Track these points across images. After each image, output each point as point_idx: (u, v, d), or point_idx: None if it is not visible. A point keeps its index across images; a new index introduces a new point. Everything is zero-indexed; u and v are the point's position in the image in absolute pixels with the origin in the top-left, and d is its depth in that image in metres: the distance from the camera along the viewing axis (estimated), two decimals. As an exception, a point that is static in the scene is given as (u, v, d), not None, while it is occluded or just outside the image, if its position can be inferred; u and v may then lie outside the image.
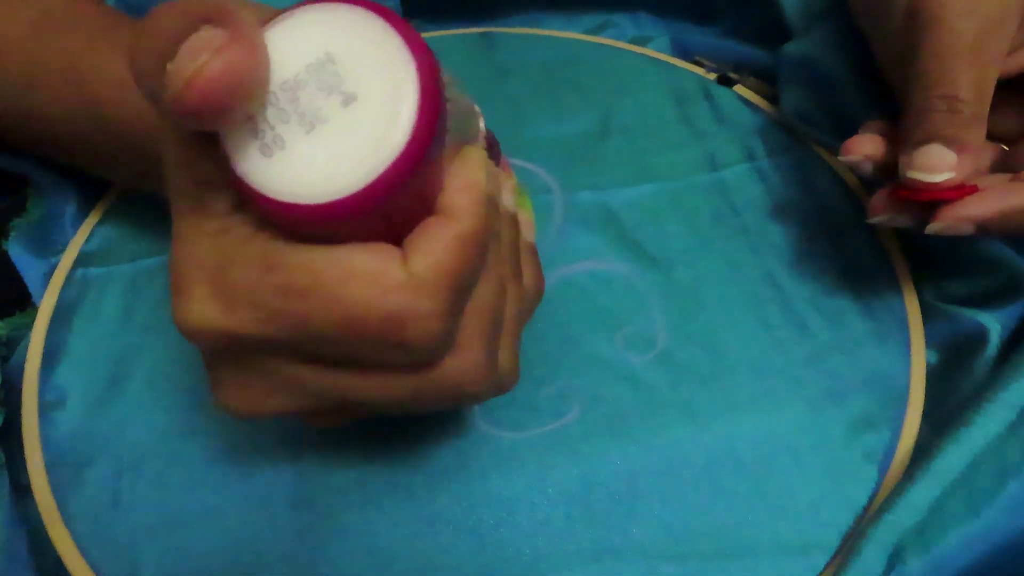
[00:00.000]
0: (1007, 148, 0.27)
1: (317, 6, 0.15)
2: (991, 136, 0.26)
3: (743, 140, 0.34)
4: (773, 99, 0.36)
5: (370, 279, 0.15)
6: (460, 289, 0.17)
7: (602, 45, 0.38)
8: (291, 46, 0.15)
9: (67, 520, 0.24)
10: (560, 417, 0.26)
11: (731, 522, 0.24)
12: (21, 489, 0.25)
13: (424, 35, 0.40)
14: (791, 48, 0.34)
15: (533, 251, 0.22)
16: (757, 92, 0.36)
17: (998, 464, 0.23)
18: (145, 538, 0.24)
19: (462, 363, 0.18)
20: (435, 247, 0.16)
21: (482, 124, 0.20)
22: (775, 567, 0.23)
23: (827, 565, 0.23)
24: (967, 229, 0.24)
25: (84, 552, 0.24)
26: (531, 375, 0.27)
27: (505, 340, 0.20)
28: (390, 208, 0.15)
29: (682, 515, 0.24)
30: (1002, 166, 0.26)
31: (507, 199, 0.20)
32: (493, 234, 0.18)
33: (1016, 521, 0.23)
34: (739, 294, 0.29)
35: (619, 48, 0.38)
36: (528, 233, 0.22)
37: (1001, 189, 0.24)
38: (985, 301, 0.28)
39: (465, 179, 0.17)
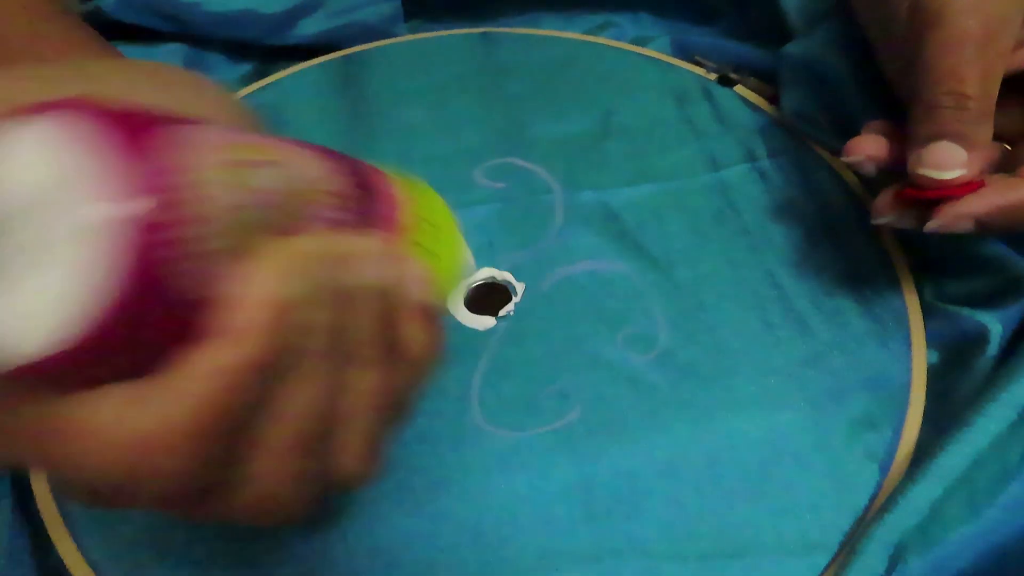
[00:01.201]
0: (1009, 148, 0.27)
1: (33, 120, 0.12)
2: (993, 135, 0.26)
3: (744, 140, 0.34)
4: (773, 99, 0.36)
5: (93, 434, 0.13)
6: (222, 427, 0.14)
7: (602, 45, 0.38)
8: None
9: (68, 521, 0.24)
10: (561, 416, 0.26)
11: (732, 522, 0.24)
12: (24, 490, 0.25)
13: (424, 35, 0.40)
14: (792, 48, 0.34)
15: (425, 312, 0.19)
16: (757, 92, 0.36)
17: (999, 464, 0.23)
18: (146, 539, 0.24)
19: (259, 490, 0.15)
20: (188, 383, 0.13)
21: (334, 184, 0.17)
22: (776, 566, 0.23)
23: (828, 564, 0.23)
24: (966, 226, 0.24)
25: (85, 553, 0.24)
26: (532, 374, 0.27)
27: (349, 439, 0.17)
28: (99, 359, 0.13)
29: (683, 514, 0.24)
30: (1005, 166, 0.26)
31: (374, 270, 0.17)
32: (336, 329, 0.16)
33: (1017, 521, 0.23)
34: (740, 294, 0.29)
35: (619, 48, 0.38)
36: (421, 291, 0.18)
37: (1000, 185, 0.24)
38: (986, 301, 0.28)
39: (250, 292, 0.14)
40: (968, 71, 0.23)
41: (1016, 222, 0.24)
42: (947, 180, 0.24)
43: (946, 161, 0.24)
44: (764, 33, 0.37)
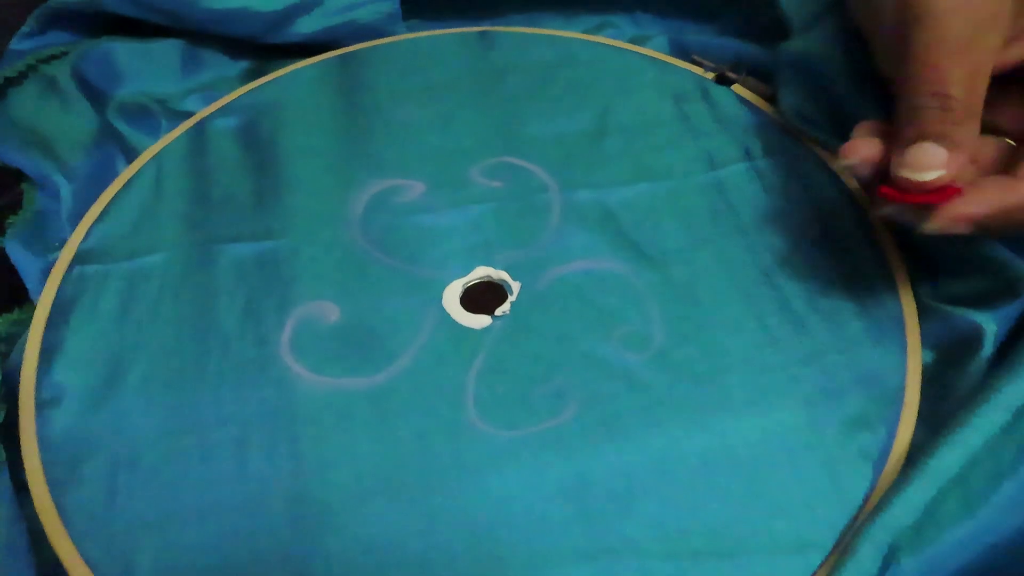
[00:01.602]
0: (1013, 143, 0.26)
1: None
2: (996, 131, 0.25)
3: (741, 139, 0.34)
4: (771, 98, 0.36)
5: None
6: None
7: (600, 44, 0.38)
8: None
9: (63, 516, 0.25)
10: (556, 415, 0.26)
11: (726, 520, 0.24)
12: (22, 486, 0.25)
13: (422, 34, 0.40)
14: (789, 46, 0.34)
15: None
16: (755, 91, 0.36)
17: (993, 464, 0.23)
18: (141, 534, 0.24)
19: None
20: None
21: None
22: (770, 565, 0.23)
23: (822, 564, 0.23)
24: (964, 228, 0.24)
25: (80, 548, 0.24)
26: (527, 373, 0.27)
27: None
28: None
29: (677, 513, 0.24)
30: (1008, 162, 0.26)
31: None
32: None
33: (1011, 521, 0.23)
34: (736, 293, 0.29)
35: (617, 47, 0.38)
36: None
37: (998, 186, 0.24)
38: (982, 301, 0.28)
39: None
40: (952, 71, 0.23)
41: (1015, 224, 0.24)
42: (925, 182, 0.24)
43: (926, 162, 0.24)
44: (762, 32, 0.37)
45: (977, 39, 0.23)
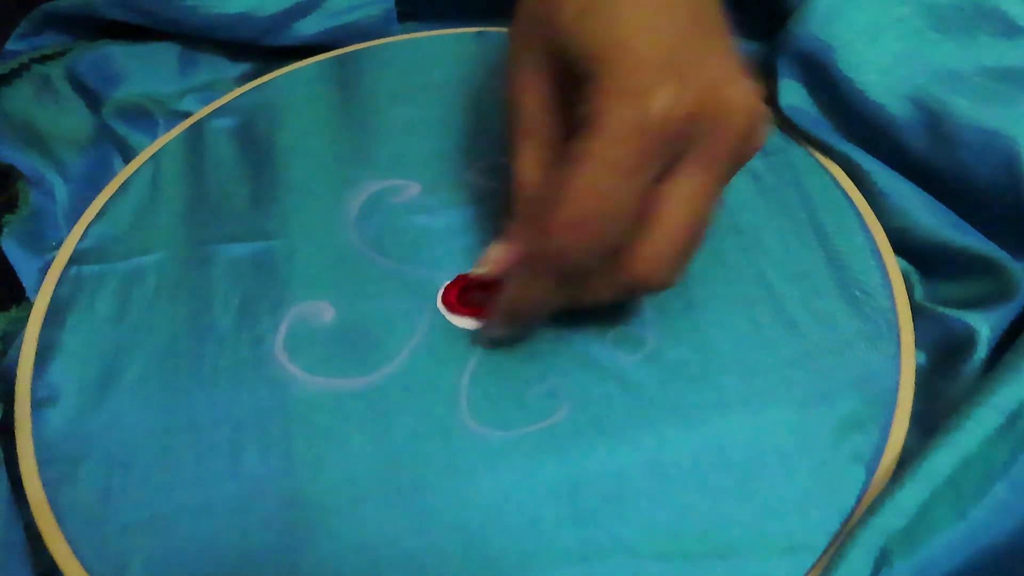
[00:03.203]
0: None
1: None
2: None
3: (737, 140, 0.34)
4: (767, 99, 0.36)
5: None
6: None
7: (597, 44, 0.38)
8: None
9: (58, 516, 0.25)
10: (549, 416, 0.26)
11: (718, 522, 0.24)
12: (19, 484, 0.25)
13: (419, 35, 0.40)
14: (792, 26, 0.33)
15: None
16: (752, 92, 0.36)
17: (985, 467, 0.23)
18: (135, 534, 0.24)
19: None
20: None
21: None
22: (761, 567, 0.23)
23: (813, 566, 0.23)
24: (498, 332, 0.27)
25: (75, 548, 0.24)
26: (521, 373, 0.27)
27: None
28: None
29: (669, 515, 0.24)
30: None
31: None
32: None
33: (1003, 523, 0.23)
34: (730, 294, 0.29)
35: (614, 47, 0.38)
36: None
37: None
38: (975, 303, 0.28)
39: None
40: (522, 160, 0.25)
41: (523, 316, 0.26)
42: (478, 276, 0.26)
43: (484, 260, 0.26)
44: (758, 29, 0.37)
45: (530, 134, 0.25)
